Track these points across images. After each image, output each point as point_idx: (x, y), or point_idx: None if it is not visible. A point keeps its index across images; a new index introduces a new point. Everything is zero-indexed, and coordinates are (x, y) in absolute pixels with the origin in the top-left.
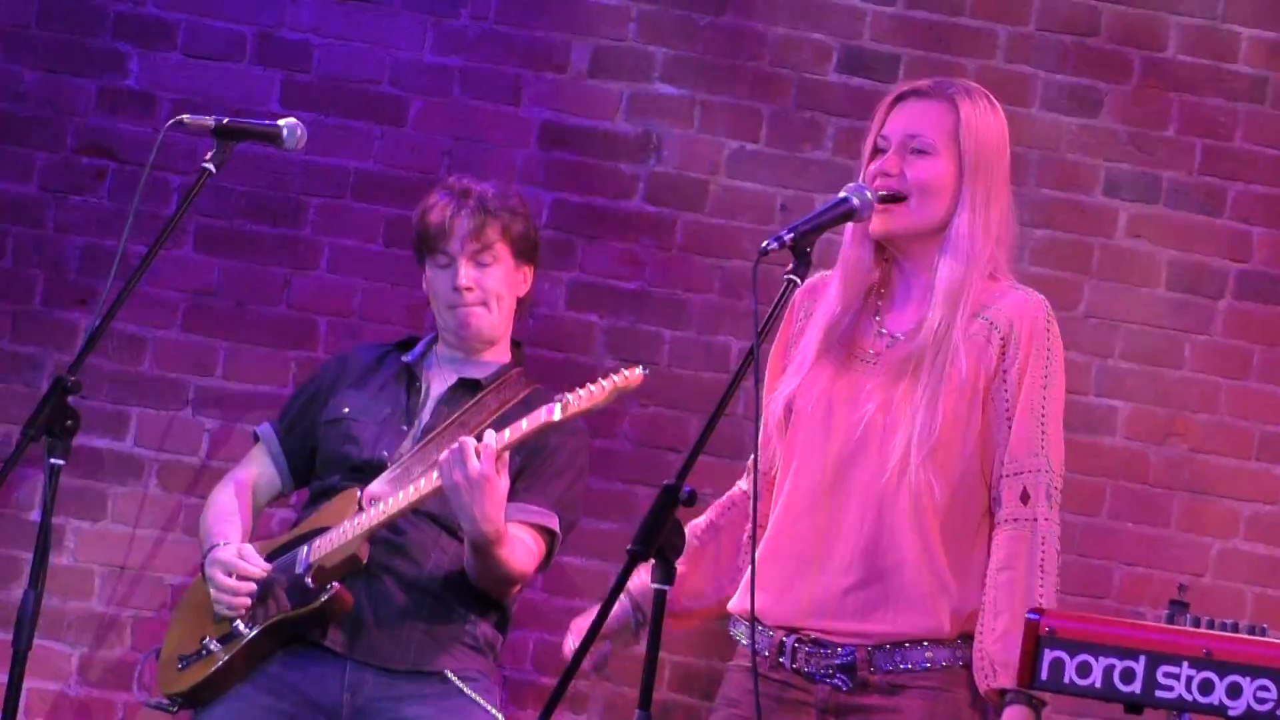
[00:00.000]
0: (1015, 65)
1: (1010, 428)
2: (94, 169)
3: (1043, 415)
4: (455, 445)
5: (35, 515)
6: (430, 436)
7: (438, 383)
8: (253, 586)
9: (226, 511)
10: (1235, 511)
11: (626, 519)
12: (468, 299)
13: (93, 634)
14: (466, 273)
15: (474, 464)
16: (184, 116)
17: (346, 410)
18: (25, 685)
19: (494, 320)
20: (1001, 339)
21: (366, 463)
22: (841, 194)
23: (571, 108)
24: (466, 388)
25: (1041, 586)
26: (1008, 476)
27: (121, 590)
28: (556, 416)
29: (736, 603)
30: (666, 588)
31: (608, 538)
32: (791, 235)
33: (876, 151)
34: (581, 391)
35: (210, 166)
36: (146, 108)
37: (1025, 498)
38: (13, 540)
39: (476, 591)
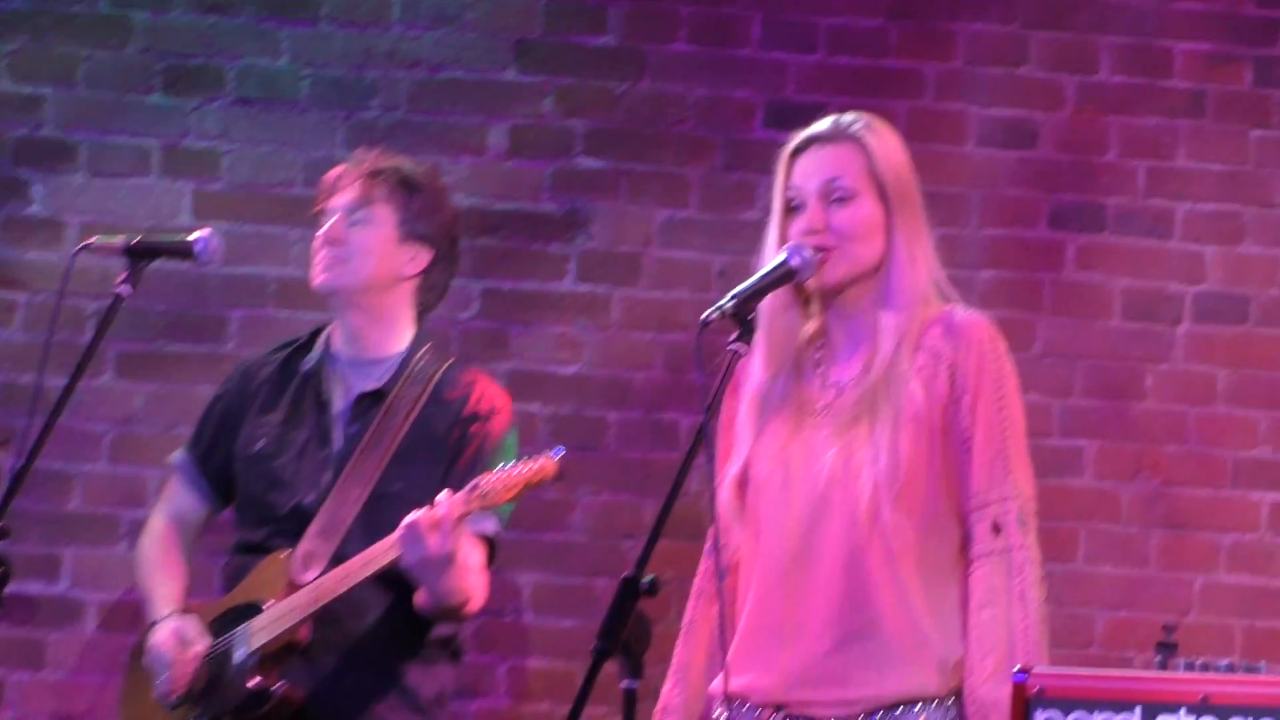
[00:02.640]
0: (946, 103)
1: (971, 458)
2: (4, 303)
3: (1003, 439)
4: (408, 524)
5: None
6: (347, 470)
7: (339, 394)
8: (189, 676)
9: (161, 569)
10: (1215, 543)
11: (588, 614)
12: (325, 252)
13: None
14: (333, 226)
15: (434, 542)
16: (92, 240)
17: (262, 445)
18: None
19: (349, 279)
20: (949, 366)
21: (294, 510)
22: (781, 255)
23: (493, 191)
24: (370, 399)
25: (1024, 618)
26: (976, 510)
27: None
28: (473, 507)
29: (716, 684)
30: (636, 683)
31: (569, 636)
32: (733, 303)
33: (791, 209)
34: (496, 477)
35: (124, 290)
36: (54, 233)
37: (996, 529)
38: None
39: (418, 644)
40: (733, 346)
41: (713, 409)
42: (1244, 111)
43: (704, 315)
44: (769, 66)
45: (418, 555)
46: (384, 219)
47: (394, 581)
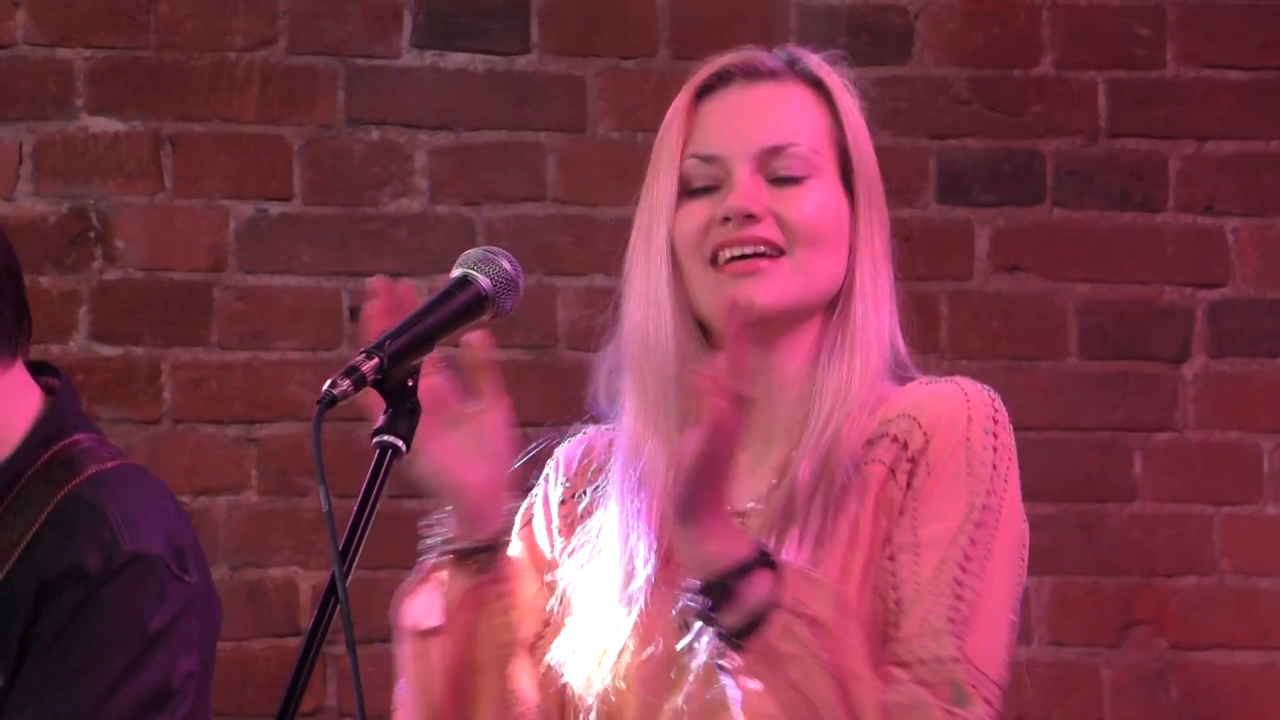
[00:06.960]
0: None
1: (900, 579)
2: None
3: (965, 562)
4: None
5: None
6: None
7: None
8: None
9: None
10: None
11: None
12: None
13: None
14: None
15: None
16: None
17: None
18: None
19: None
20: (911, 456)
21: None
22: (457, 271)
23: None
24: None
25: None
26: (895, 669)
27: None
28: None
29: None
30: None
31: None
32: (378, 363)
33: (697, 190)
34: None
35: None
36: None
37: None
38: None
39: None
40: (381, 438)
41: (352, 556)
42: None
43: (328, 385)
44: None
45: None
46: None
47: None
